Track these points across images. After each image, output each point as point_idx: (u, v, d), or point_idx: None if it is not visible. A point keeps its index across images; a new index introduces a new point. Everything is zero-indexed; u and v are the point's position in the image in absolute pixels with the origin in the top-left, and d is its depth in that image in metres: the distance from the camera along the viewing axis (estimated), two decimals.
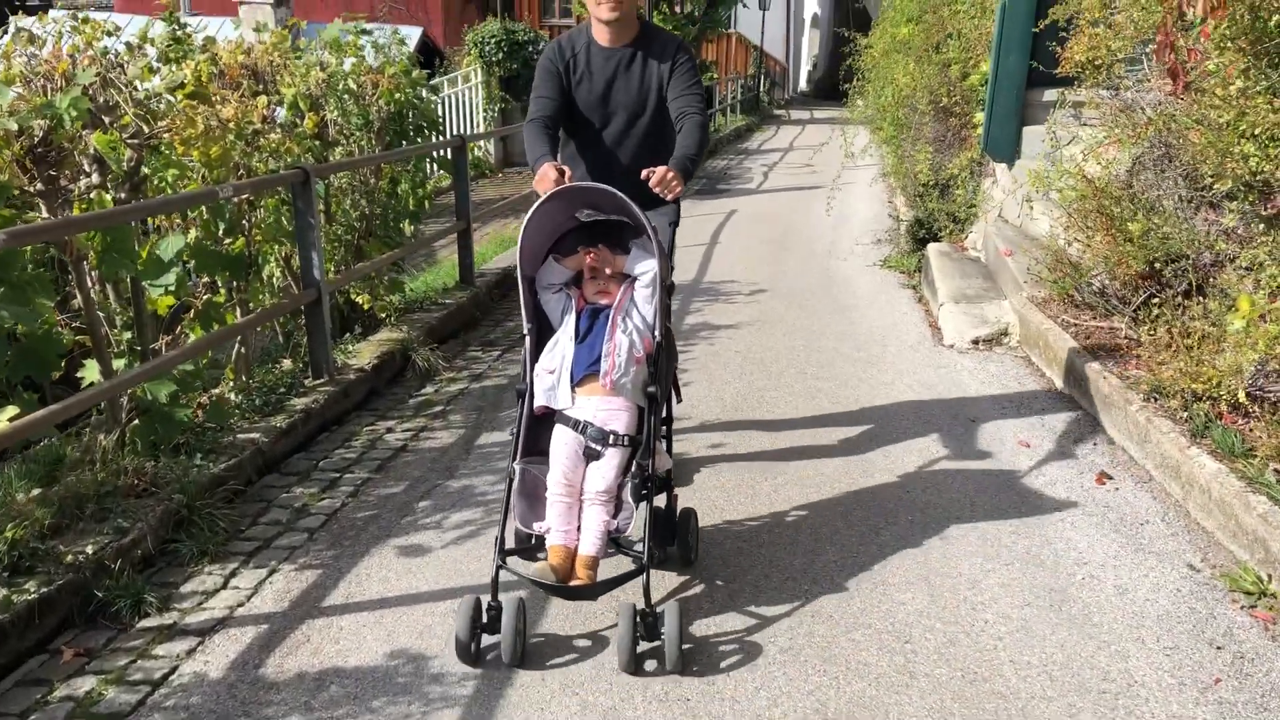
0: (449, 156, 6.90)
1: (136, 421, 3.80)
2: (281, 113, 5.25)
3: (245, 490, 3.91)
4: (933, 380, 5.17)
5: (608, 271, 3.27)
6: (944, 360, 5.50)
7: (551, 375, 3.21)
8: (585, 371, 3.13)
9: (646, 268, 3.21)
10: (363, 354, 5.29)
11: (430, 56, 21.31)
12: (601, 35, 3.58)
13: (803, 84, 41.65)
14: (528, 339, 3.24)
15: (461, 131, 11.85)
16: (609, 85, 3.58)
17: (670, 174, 3.13)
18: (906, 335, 6.03)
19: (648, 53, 3.58)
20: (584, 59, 3.59)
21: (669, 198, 3.20)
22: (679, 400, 3.58)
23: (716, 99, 20.98)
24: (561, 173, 3.15)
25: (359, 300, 5.75)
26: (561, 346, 3.22)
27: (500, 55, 11.96)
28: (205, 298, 4.38)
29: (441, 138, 7.27)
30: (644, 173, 3.15)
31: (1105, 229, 4.53)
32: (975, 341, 5.73)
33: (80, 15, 5.42)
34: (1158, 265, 4.31)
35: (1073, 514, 3.61)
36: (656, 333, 3.20)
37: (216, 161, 4.28)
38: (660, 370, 3.21)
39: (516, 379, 5.39)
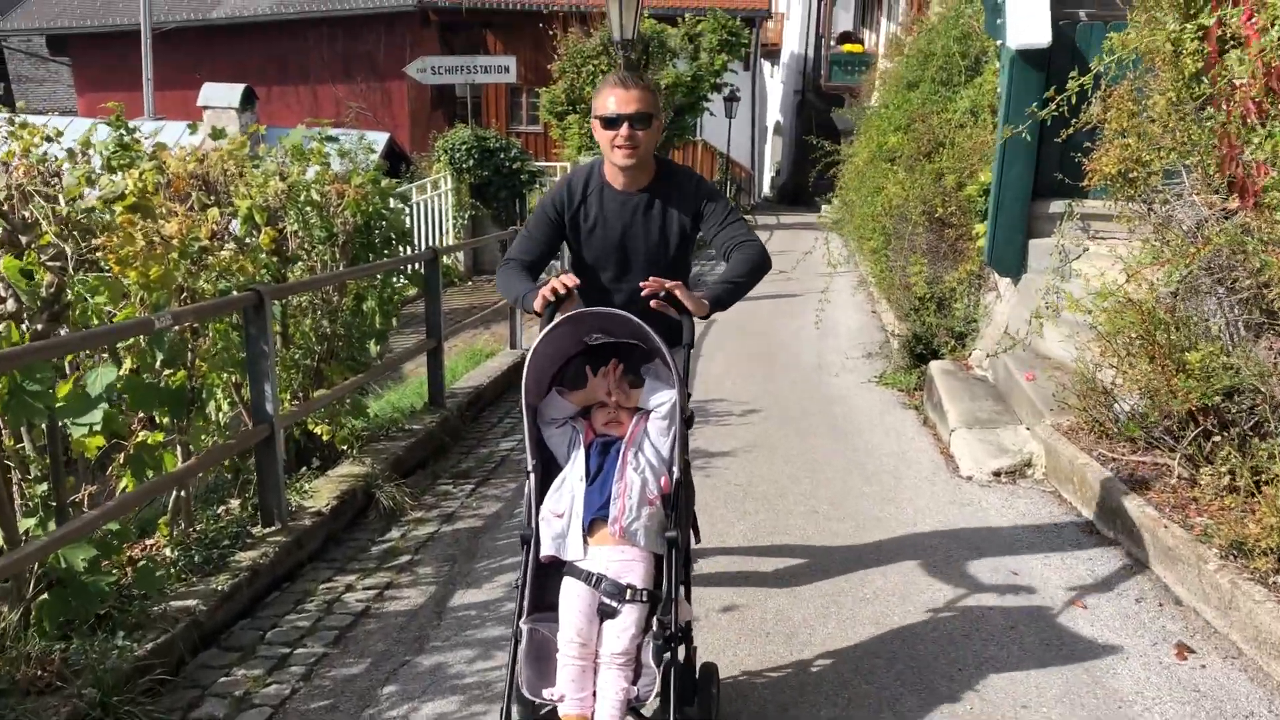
0: (420, 269, 6.42)
1: (46, 595, 3.18)
2: (236, 225, 4.75)
3: (176, 675, 3.28)
4: (957, 520, 4.66)
5: (615, 399, 2.92)
6: (965, 495, 5.00)
7: (560, 520, 2.82)
8: (595, 515, 2.76)
9: (663, 399, 2.87)
10: (320, 493, 4.70)
11: (396, 162, 21.10)
12: (615, 178, 3.25)
13: (766, 190, 42.03)
14: (532, 476, 2.89)
15: (431, 239, 11.44)
16: (624, 233, 3.25)
17: (676, 288, 2.82)
18: (919, 465, 5.54)
19: (667, 199, 3.25)
20: (595, 203, 3.26)
21: (651, 303, 2.84)
22: (698, 539, 3.13)
23: None
24: (567, 290, 2.88)
25: (317, 430, 5.18)
26: (570, 486, 2.84)
27: (471, 162, 11.64)
28: (139, 438, 3.80)
29: (411, 249, 6.80)
30: (643, 284, 2.85)
31: (1151, 356, 4.08)
32: (996, 474, 5.24)
33: (18, 119, 4.94)
34: (1216, 399, 3.86)
35: (1160, 701, 3.07)
36: (675, 468, 2.82)
37: (157, 283, 3.75)
38: (680, 511, 2.81)
39: (492, 520, 4.86)
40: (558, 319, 2.89)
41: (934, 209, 7.52)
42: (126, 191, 4.20)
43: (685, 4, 24.50)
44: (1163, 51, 4.35)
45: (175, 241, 3.80)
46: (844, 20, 35.98)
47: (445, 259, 11.49)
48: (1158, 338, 4.00)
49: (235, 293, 4.17)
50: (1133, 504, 4.06)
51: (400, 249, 6.26)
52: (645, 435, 2.88)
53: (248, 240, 4.61)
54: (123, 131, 5.42)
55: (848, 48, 32.16)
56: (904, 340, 7.51)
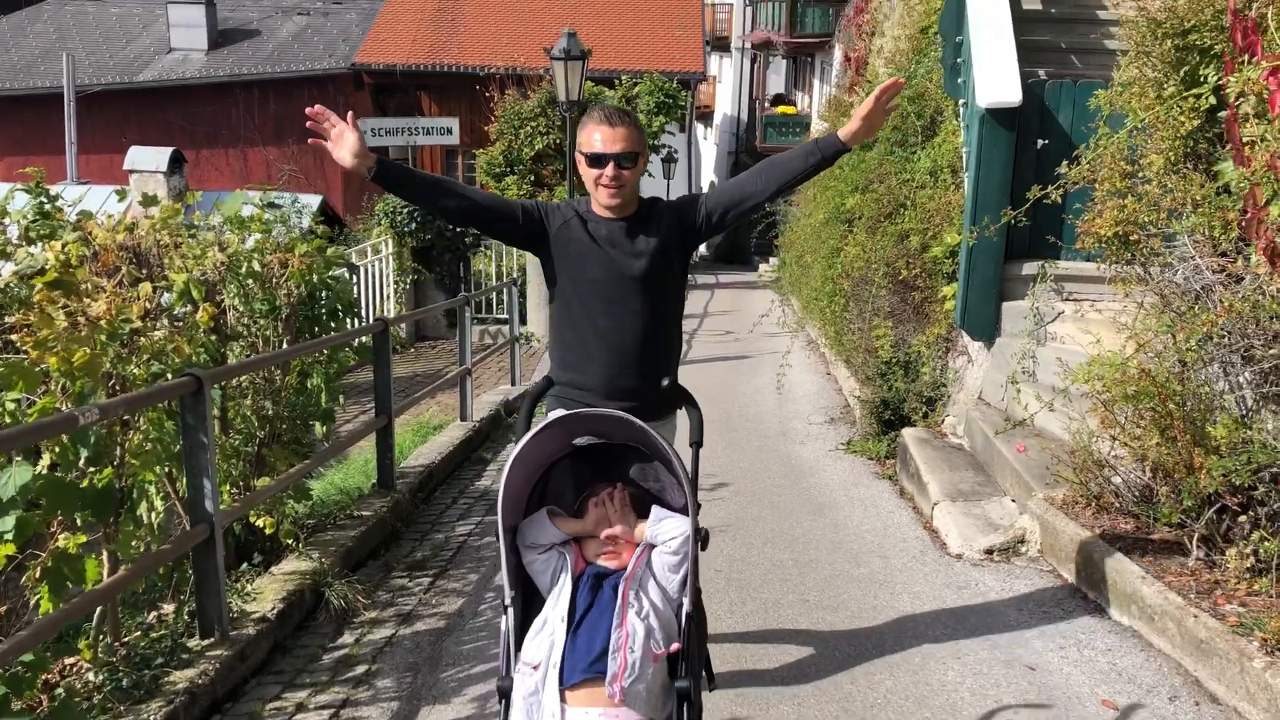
0: (368, 341, 6.02)
1: None
2: (169, 298, 4.33)
3: None
4: (957, 605, 4.36)
5: (618, 532, 2.54)
6: (960, 577, 4.70)
7: (535, 674, 2.33)
8: (584, 675, 2.27)
9: (674, 531, 2.48)
10: (264, 595, 4.25)
11: (331, 225, 20.62)
12: (601, 210, 3.17)
13: (703, 249, 42.20)
14: (510, 612, 2.48)
15: (372, 306, 11.02)
16: (607, 251, 3.13)
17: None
18: (905, 543, 5.24)
19: (650, 221, 3.17)
20: (579, 226, 3.15)
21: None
22: (710, 684, 2.72)
23: None
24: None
25: (259, 523, 4.73)
26: (551, 629, 2.37)
27: (413, 225, 11.27)
28: (58, 546, 3.35)
29: (358, 320, 6.41)
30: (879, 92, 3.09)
31: (1163, 428, 3.85)
32: (989, 551, 4.96)
33: None
34: (1238, 479, 3.62)
35: None
36: (686, 601, 2.44)
37: (81, 370, 3.33)
38: (691, 655, 2.39)
39: (455, 620, 4.42)
40: (547, 420, 2.57)
41: (898, 271, 7.33)
42: (47, 266, 3.78)
43: (623, 67, 24.55)
44: (1155, 108, 4.18)
45: (103, 322, 3.38)
46: (775, 83, 36.52)
47: None
48: (1171, 409, 3.76)
49: (170, 377, 3.76)
50: (1151, 590, 3.80)
51: (347, 320, 5.87)
52: (648, 570, 2.50)
53: (182, 317, 4.19)
54: (43, 199, 5.00)
55: (781, 109, 32.61)
56: (871, 406, 7.27)
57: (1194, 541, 3.91)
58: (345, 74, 28.12)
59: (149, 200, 5.34)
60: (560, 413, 2.63)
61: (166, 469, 3.85)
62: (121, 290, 3.89)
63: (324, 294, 5.53)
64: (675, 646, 2.38)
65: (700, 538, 2.54)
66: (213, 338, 4.34)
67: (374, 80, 27.29)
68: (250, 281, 4.50)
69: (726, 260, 38.17)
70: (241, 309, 4.62)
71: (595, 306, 3.14)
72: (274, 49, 29.89)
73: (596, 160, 3.05)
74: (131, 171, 20.60)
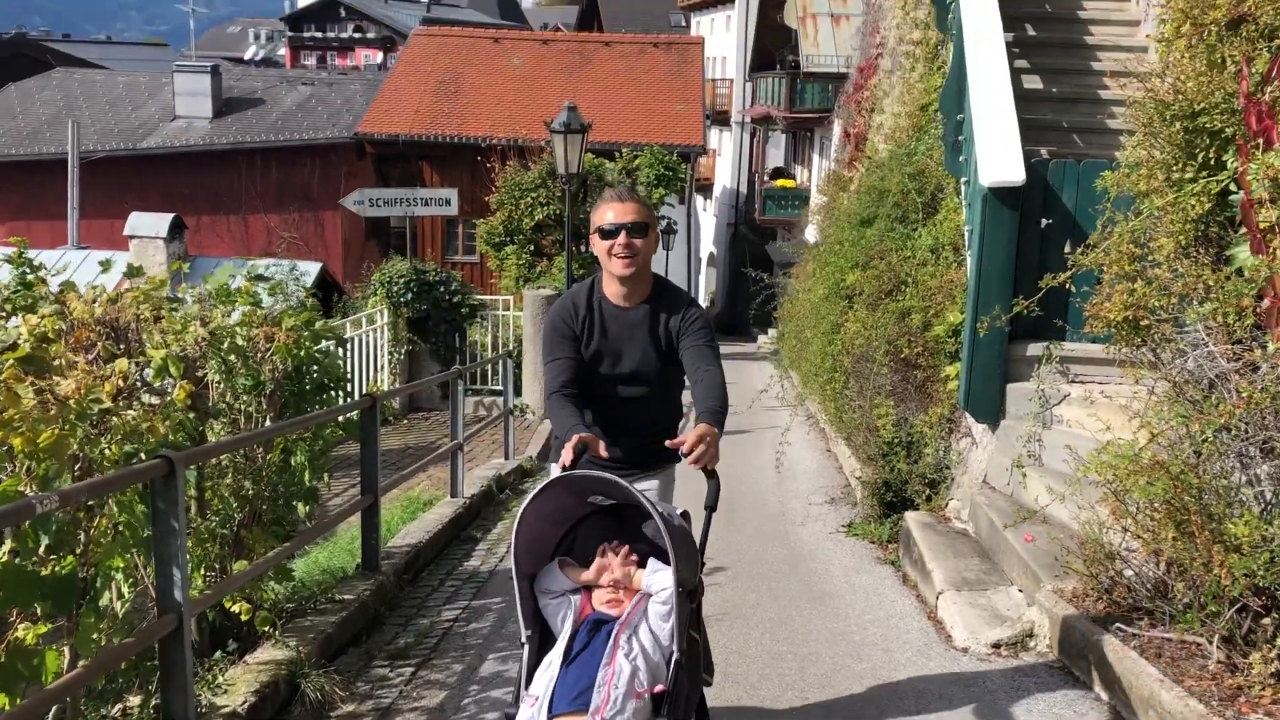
0: (355, 418, 5.87)
1: None
2: (149, 373, 4.19)
3: None
4: (965, 705, 4.14)
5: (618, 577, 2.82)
6: (967, 674, 4.49)
7: (535, 706, 2.61)
8: (570, 706, 2.52)
9: (665, 583, 2.71)
10: (236, 687, 4.04)
11: (329, 292, 20.59)
12: (614, 293, 3.47)
13: None
14: (526, 649, 2.84)
15: (366, 375, 10.89)
16: (621, 345, 3.44)
17: (706, 437, 2.97)
18: (909, 635, 5.03)
19: (658, 308, 3.45)
20: (596, 318, 3.47)
21: (708, 465, 3.00)
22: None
23: None
24: (584, 446, 3.00)
25: (234, 608, 4.53)
26: (551, 665, 2.70)
27: (409, 295, 11.19)
28: (15, 635, 3.16)
29: (346, 394, 6.26)
30: (670, 443, 3.06)
31: (1178, 522, 3.68)
32: (996, 645, 4.75)
33: None
34: (1262, 580, 3.45)
35: None
36: (675, 648, 2.67)
37: (47, 451, 3.17)
38: (677, 699, 2.62)
39: (436, 715, 4.21)
40: (547, 480, 2.88)
41: (899, 349, 7.21)
42: (20, 340, 3.65)
43: (624, 139, 24.76)
44: (1164, 192, 4.08)
45: (72, 402, 3.23)
46: (775, 157, 36.86)
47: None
48: (1187, 503, 3.60)
49: (143, 456, 3.59)
50: (1171, 696, 3.59)
51: (335, 395, 5.72)
52: (644, 618, 2.73)
53: (160, 391, 4.04)
54: (25, 269, 4.89)
55: (780, 183, 32.83)
56: (873, 487, 7.09)
57: (1214, 643, 3.72)
58: (348, 143, 28.35)
59: (134, 271, 5.24)
60: (557, 472, 2.94)
61: (135, 555, 3.67)
62: (96, 367, 3.74)
63: (311, 368, 5.40)
64: (660, 688, 2.58)
65: (689, 590, 2.75)
66: (191, 415, 4.18)
67: (376, 150, 27.51)
68: (232, 357, 4.35)
69: (725, 331, 38.12)
70: (223, 385, 4.47)
71: (608, 387, 3.48)
72: (278, 118, 30.17)
73: (609, 233, 3.35)
74: (131, 237, 20.67)
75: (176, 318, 4.27)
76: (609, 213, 3.36)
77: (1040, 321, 6.24)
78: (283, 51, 71.63)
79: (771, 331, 24.83)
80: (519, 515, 2.79)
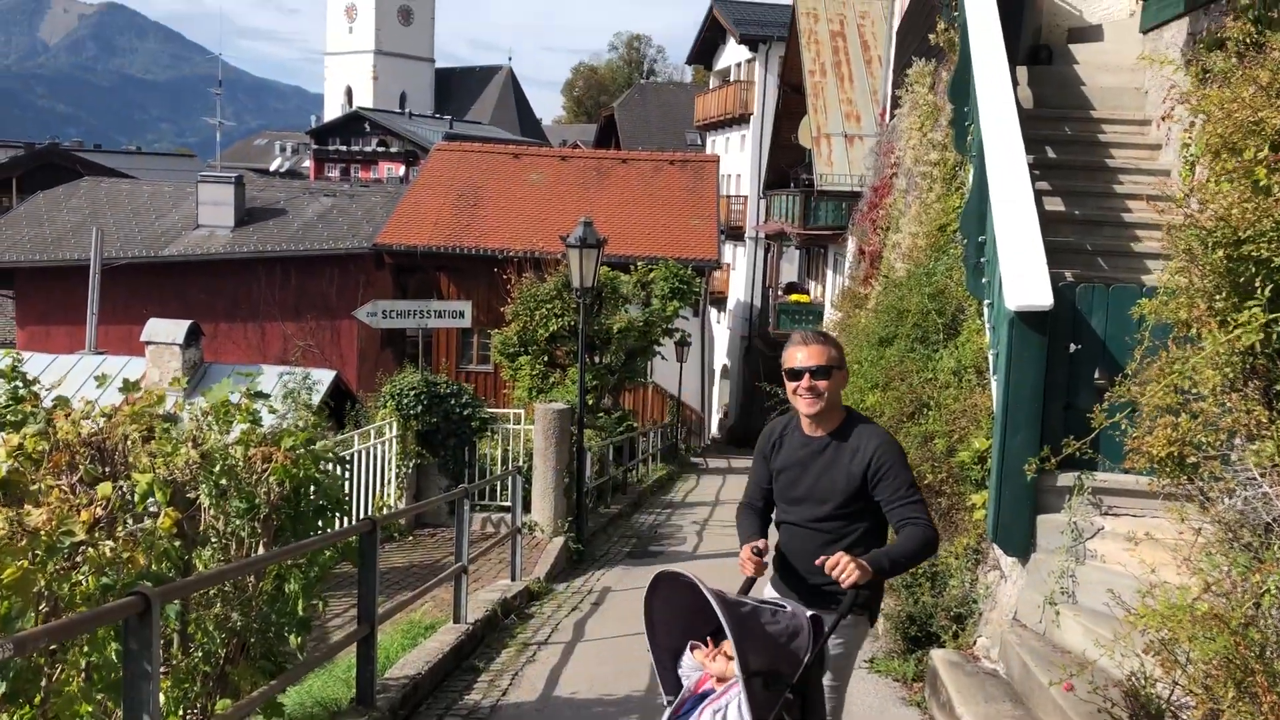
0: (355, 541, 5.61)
1: None
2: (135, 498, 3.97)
3: None
4: None
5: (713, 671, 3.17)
6: None
7: None
8: None
9: (730, 699, 3.04)
10: None
11: (342, 401, 20.49)
12: (805, 422, 3.67)
13: (715, 431, 41.96)
14: (667, 711, 3.25)
15: (372, 490, 10.64)
16: (801, 474, 3.62)
17: (847, 561, 3.15)
18: None
19: (843, 444, 3.58)
20: (785, 445, 3.69)
21: (844, 584, 3.17)
22: None
23: (639, 449, 20.35)
24: (759, 554, 3.43)
25: None
26: None
27: (420, 408, 11.02)
28: None
29: (349, 513, 6.02)
30: (820, 559, 3.25)
31: (1239, 681, 3.37)
32: None
33: None
34: None
35: None
36: None
37: (10, 588, 2.94)
38: None
39: None
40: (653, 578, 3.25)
41: (923, 475, 6.94)
42: None
43: (638, 253, 24.94)
44: (1206, 321, 3.89)
45: (42, 534, 3.01)
46: (788, 271, 37.11)
47: (384, 510, 10.65)
48: (1250, 662, 3.30)
49: (119, 589, 3.35)
50: None
51: (335, 518, 5.48)
52: (735, 698, 3.00)
53: (149, 515, 3.81)
54: (18, 382, 4.72)
55: (794, 298, 32.94)
56: (896, 620, 6.75)
57: None
58: (367, 253, 28.66)
59: (129, 386, 5.06)
60: (659, 571, 3.26)
61: (105, 700, 3.39)
62: (77, 492, 3.53)
63: (310, 490, 5.17)
64: None
65: (769, 678, 2.97)
66: (177, 544, 3.95)
67: (395, 260, 27.78)
68: (225, 480, 4.14)
69: (738, 443, 37.82)
70: (214, 511, 4.25)
71: (787, 511, 3.70)
72: (299, 228, 30.58)
73: (794, 375, 3.57)
74: (148, 343, 20.75)
75: (169, 437, 4.06)
76: (796, 355, 3.56)
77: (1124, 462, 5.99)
78: (308, 164, 73.27)
79: None
80: (646, 602, 3.21)
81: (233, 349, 29.00)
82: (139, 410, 4.39)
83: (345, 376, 24.70)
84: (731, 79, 42.85)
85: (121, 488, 3.65)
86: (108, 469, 3.73)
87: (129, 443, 3.84)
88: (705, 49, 46.87)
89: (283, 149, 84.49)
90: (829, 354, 3.58)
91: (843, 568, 3.12)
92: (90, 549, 3.22)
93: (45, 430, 3.68)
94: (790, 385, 3.60)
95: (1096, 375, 5.75)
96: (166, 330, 21.24)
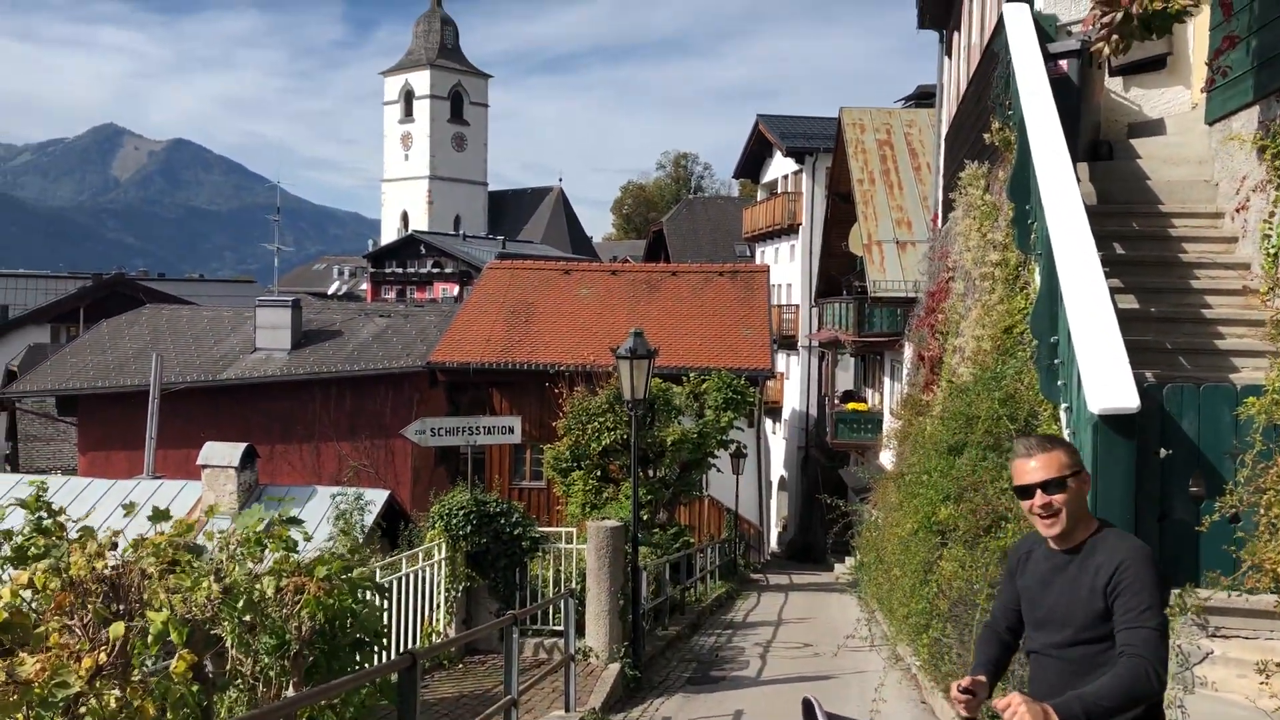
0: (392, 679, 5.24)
1: None
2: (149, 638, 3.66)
3: None
4: None
5: None
6: None
7: None
8: None
9: None
10: None
11: (395, 521, 20.20)
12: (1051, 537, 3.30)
13: (774, 545, 40.98)
14: None
15: (420, 614, 10.25)
16: (1042, 593, 3.24)
17: (1019, 702, 2.71)
18: None
19: (1089, 558, 3.16)
20: (1032, 560, 3.32)
21: None
22: None
23: (697, 566, 19.74)
24: (969, 693, 3.08)
25: None
26: None
27: (469, 529, 10.69)
28: None
29: (392, 648, 5.66)
30: (997, 700, 2.85)
31: None
32: None
33: None
34: None
35: None
36: None
37: None
38: None
39: None
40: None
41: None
42: None
43: (690, 364, 24.74)
44: None
45: (35, 687, 2.71)
46: (844, 379, 36.64)
47: (434, 639, 10.24)
48: None
49: None
50: None
51: (373, 652, 5.14)
52: None
53: (166, 654, 3.51)
54: (42, 513, 4.50)
55: (852, 406, 32.42)
56: None
57: None
58: (421, 372, 28.77)
59: (159, 515, 4.82)
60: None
61: None
62: (87, 633, 3.24)
63: (346, 622, 4.85)
64: None
65: None
66: (195, 688, 3.62)
67: (448, 378, 27.85)
68: (248, 616, 3.83)
69: (800, 558, 36.92)
70: (239, 650, 3.93)
71: (1033, 637, 3.31)
72: (354, 348, 30.87)
73: (1024, 492, 3.22)
74: (204, 466, 20.76)
75: (190, 570, 3.78)
76: (1023, 469, 3.22)
77: (1168, 565, 5.50)
78: (365, 287, 74.75)
79: (849, 560, 23.76)
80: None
81: (289, 471, 29.02)
82: (161, 542, 4.12)
83: (399, 496, 24.48)
84: (779, 191, 43.20)
85: (134, 628, 3.35)
86: (122, 607, 3.44)
87: (145, 578, 3.55)
88: (752, 163, 47.47)
89: (341, 273, 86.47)
90: (1061, 461, 3.17)
91: (1014, 710, 2.71)
92: (93, 699, 2.91)
93: (57, 567, 3.41)
94: (1023, 505, 3.25)
95: (1192, 483, 5.30)
96: (222, 453, 21.27)
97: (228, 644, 3.88)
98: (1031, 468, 3.18)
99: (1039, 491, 3.15)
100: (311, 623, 4.37)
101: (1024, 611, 3.32)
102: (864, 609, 10.64)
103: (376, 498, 20.45)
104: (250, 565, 4.46)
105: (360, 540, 16.43)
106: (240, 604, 3.83)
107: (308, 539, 4.97)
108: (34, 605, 3.25)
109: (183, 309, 36.51)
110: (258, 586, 4.26)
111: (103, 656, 2.98)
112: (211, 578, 3.81)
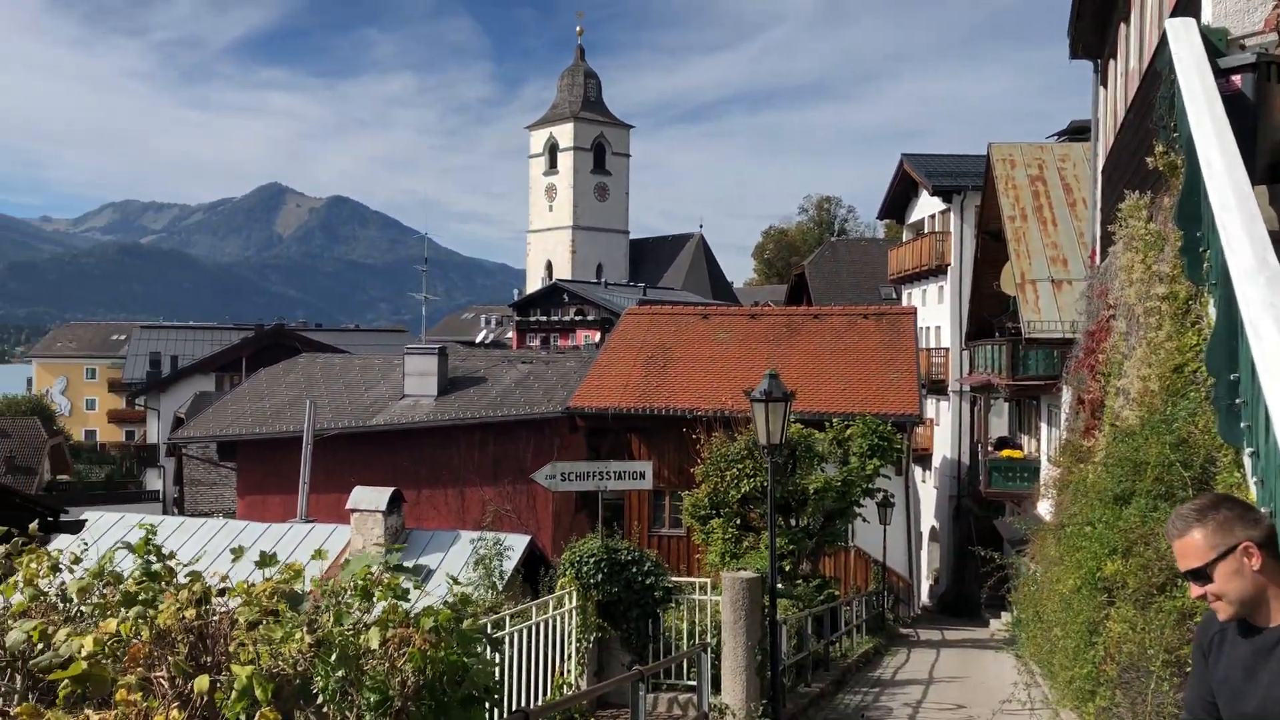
0: None
1: None
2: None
3: None
4: None
5: None
6: None
7: None
8: None
9: None
10: None
11: (535, 566, 20.14)
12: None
13: (925, 599, 39.40)
14: None
15: (550, 665, 9.98)
16: (1244, 684, 2.61)
17: None
18: None
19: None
20: (1228, 640, 2.69)
21: None
22: None
23: (842, 620, 18.97)
24: None
25: None
26: None
27: (600, 577, 10.41)
28: None
29: (501, 709, 5.39)
30: None
31: None
32: None
33: (21, 539, 3.97)
34: None
35: None
36: None
37: None
38: None
39: None
40: None
41: (1183, 660, 5.74)
42: (77, 654, 3.02)
43: (833, 409, 24.07)
44: None
45: None
46: (997, 426, 35.11)
47: (565, 690, 9.95)
48: None
49: None
50: None
51: (485, 708, 4.86)
52: None
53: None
54: (152, 557, 4.41)
55: (1006, 453, 30.92)
56: None
57: None
58: (560, 418, 28.92)
59: (267, 561, 4.68)
60: None
61: None
62: (172, 686, 3.06)
63: (458, 677, 4.59)
64: None
65: None
66: None
67: (587, 423, 27.89)
68: (340, 672, 3.60)
69: (952, 612, 35.35)
70: (335, 708, 3.70)
71: None
72: (497, 394, 31.32)
73: (1187, 577, 2.74)
74: (353, 510, 21.23)
75: (282, 621, 3.58)
76: (1173, 550, 2.77)
77: None
78: (510, 335, 76.37)
79: (1005, 615, 22.51)
80: None
81: (434, 514, 29.49)
82: (266, 588, 3.96)
83: (540, 541, 24.50)
84: (925, 231, 42.09)
85: (219, 682, 3.15)
86: (209, 659, 3.26)
87: (235, 628, 3.36)
88: (897, 203, 46.48)
89: (488, 321, 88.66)
90: (1197, 546, 2.63)
91: None
92: None
93: (144, 615, 3.25)
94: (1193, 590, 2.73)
95: None
96: (370, 498, 21.70)
97: (320, 701, 3.66)
98: (1178, 551, 2.71)
99: (1192, 583, 2.69)
100: (417, 677, 4.12)
101: (1222, 708, 2.69)
102: (1022, 669, 9.87)
103: (517, 543, 20.44)
104: (358, 615, 4.26)
105: (500, 586, 16.42)
106: (334, 657, 3.61)
107: (418, 588, 4.75)
108: (119, 655, 3.10)
109: (335, 357, 37.86)
110: (363, 638, 4.04)
111: (175, 713, 2.78)
112: (304, 629, 3.61)
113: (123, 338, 75.21)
